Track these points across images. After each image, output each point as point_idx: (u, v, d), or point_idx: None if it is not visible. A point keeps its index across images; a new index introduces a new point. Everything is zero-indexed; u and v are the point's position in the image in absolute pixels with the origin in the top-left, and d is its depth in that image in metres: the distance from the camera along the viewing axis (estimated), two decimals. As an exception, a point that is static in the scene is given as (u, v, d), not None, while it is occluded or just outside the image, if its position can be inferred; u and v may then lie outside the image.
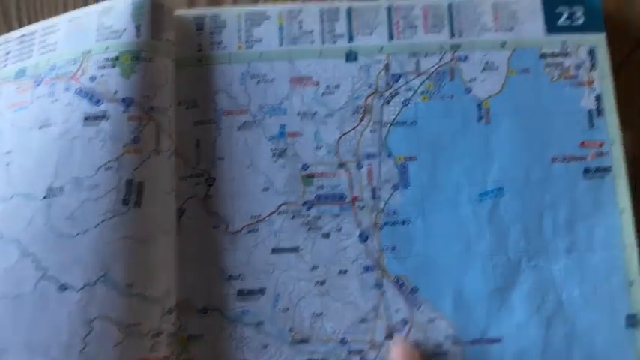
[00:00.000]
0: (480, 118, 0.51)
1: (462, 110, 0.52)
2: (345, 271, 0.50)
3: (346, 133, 0.52)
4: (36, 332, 0.45)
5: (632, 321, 0.48)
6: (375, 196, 0.51)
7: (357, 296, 0.49)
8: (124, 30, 0.50)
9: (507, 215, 0.50)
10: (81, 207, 0.47)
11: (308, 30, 0.53)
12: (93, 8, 0.51)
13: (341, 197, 0.51)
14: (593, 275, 0.49)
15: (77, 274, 0.46)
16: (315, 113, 0.52)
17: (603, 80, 0.52)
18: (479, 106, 0.52)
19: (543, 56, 0.52)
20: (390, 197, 0.51)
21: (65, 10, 0.57)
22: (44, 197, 0.47)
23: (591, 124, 0.51)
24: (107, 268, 0.46)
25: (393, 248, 0.50)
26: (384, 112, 0.52)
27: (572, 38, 0.53)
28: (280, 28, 0.53)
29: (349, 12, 0.53)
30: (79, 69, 0.49)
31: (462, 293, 0.49)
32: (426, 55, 0.53)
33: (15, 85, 0.50)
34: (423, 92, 0.52)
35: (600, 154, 0.51)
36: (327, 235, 0.50)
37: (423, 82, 0.52)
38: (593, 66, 0.52)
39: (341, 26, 0.53)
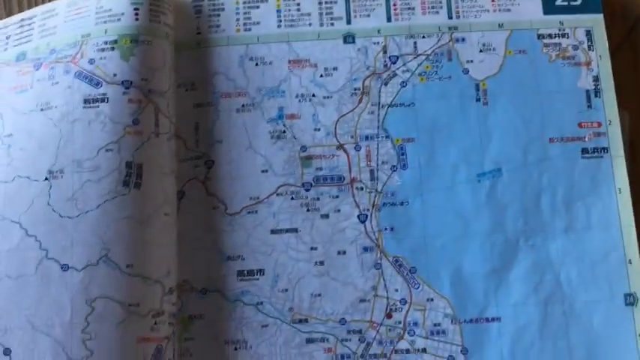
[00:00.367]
0: (478, 99, 0.52)
1: (459, 91, 0.52)
2: (344, 252, 0.50)
3: (344, 115, 0.52)
4: (39, 311, 0.46)
5: (630, 299, 0.48)
6: (373, 177, 0.51)
7: (356, 277, 0.50)
8: (123, 13, 0.50)
9: (505, 195, 0.50)
10: (82, 188, 0.47)
11: (305, 12, 0.53)
12: (92, -8, 0.52)
13: (340, 178, 0.51)
14: (591, 254, 0.49)
15: (79, 255, 0.46)
16: (313, 95, 0.52)
17: (601, 61, 0.52)
18: (476, 87, 0.52)
19: (541, 37, 0.53)
20: (388, 178, 0.51)
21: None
22: (45, 179, 0.47)
23: (589, 105, 0.51)
24: (108, 249, 0.46)
25: (392, 229, 0.50)
26: (381, 94, 0.52)
27: (569, 19, 0.53)
28: (278, 11, 0.53)
29: (347, -6, 0.54)
30: (78, 52, 0.50)
31: (461, 273, 0.49)
32: (423, 37, 0.53)
33: (15, 69, 0.51)
34: (420, 74, 0.52)
35: (598, 135, 0.51)
36: (325, 216, 0.50)
37: (421, 63, 0.52)
38: (590, 47, 0.52)
39: (339, 8, 0.53)
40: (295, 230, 0.50)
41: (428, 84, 0.52)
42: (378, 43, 0.53)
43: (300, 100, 0.52)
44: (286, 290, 0.49)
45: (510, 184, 0.50)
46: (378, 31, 0.53)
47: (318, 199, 0.51)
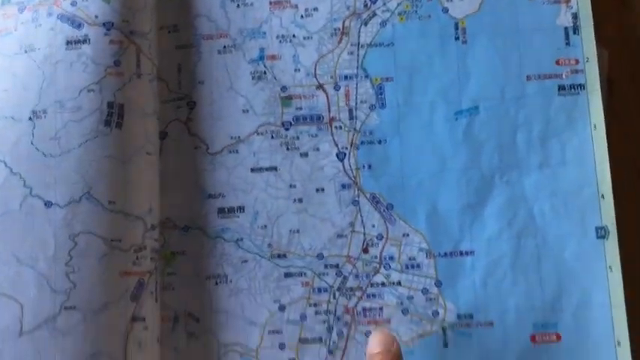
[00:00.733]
0: (457, 38, 0.52)
1: (438, 30, 0.52)
2: (323, 189, 0.51)
3: (324, 56, 0.53)
4: (24, 246, 0.47)
5: (601, 232, 0.49)
6: (352, 116, 0.52)
7: (334, 213, 0.51)
8: (104, -44, 0.51)
9: (482, 133, 0.51)
10: (64, 128, 0.48)
11: (286, -47, 0.54)
12: None
13: (319, 118, 0.52)
14: (564, 189, 0.50)
15: (62, 192, 0.48)
16: (293, 36, 0.53)
17: (580, -2, 0.52)
18: (456, 25, 0.52)
19: (520, -26, 0.52)
20: (366, 117, 0.52)
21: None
22: (29, 119, 0.49)
23: (567, 42, 0.51)
24: (90, 186, 0.48)
25: (370, 167, 0.51)
26: (361, 34, 0.53)
27: (549, -44, 0.53)
28: (258, -49, 0.54)
29: None
30: (60, -6, 0.51)
31: (436, 209, 0.50)
32: (403, -24, 0.53)
33: (0, 12, 0.52)
34: (400, 13, 0.53)
35: (575, 72, 0.51)
36: (305, 155, 0.51)
37: (401, 2, 0.53)
38: (570, -16, 0.52)
39: (320, -52, 0.53)
40: (275, 168, 0.51)
41: (407, 23, 0.52)
42: (357, -17, 0.53)
43: (280, 41, 0.53)
44: (265, 227, 0.51)
45: (487, 122, 0.51)
46: (358, -29, 0.53)
47: (298, 137, 0.51)
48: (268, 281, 0.50)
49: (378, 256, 0.50)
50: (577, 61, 0.51)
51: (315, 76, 0.52)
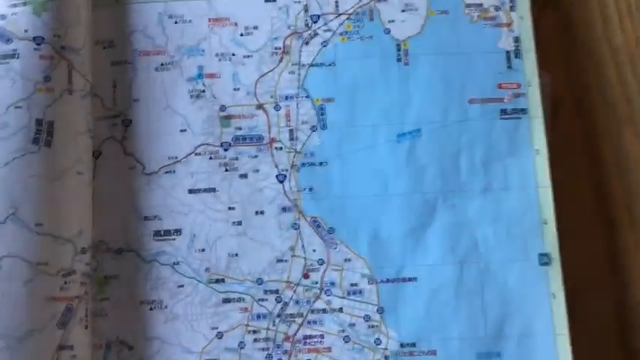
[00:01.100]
0: (399, 60, 0.51)
1: (380, 51, 0.51)
2: (262, 212, 0.50)
3: (264, 75, 0.51)
4: (-57, 270, 0.45)
5: (544, 259, 0.49)
6: (292, 137, 0.51)
7: (274, 237, 0.49)
8: (36, -32, 0.49)
9: (424, 156, 0.50)
10: (-10, 145, 0.46)
11: (225, -31, 0.52)
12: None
13: (259, 138, 0.50)
14: (507, 215, 0.49)
15: (-15, 212, 0.45)
16: (233, 54, 0.51)
17: (522, 21, 0.52)
18: (398, 47, 0.51)
19: (463, -2, 0.52)
20: (307, 138, 0.50)
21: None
22: (-47, 136, 0.46)
23: (509, 66, 0.51)
24: (16, 207, 0.45)
25: (311, 189, 0.50)
26: (302, 54, 0.52)
27: (492, -20, 0.53)
28: (196, -33, 0.52)
29: (269, -49, 0.53)
30: (-12, 7, 0.48)
31: (378, 234, 0.49)
32: (345, -4, 0.52)
33: None
34: (342, 33, 0.52)
35: (517, 95, 0.51)
36: (244, 176, 0.50)
37: (342, 23, 0.52)
38: (512, 7, 0.52)
39: (259, -34, 0.52)
40: (213, 190, 0.50)
41: (349, 44, 0.52)
42: (299, 2, 0.52)
43: (220, 59, 0.51)
44: (203, 250, 0.49)
45: (430, 145, 0.50)
46: (300, -10, 0.52)
47: (237, 158, 0.50)
48: (205, 307, 0.49)
49: (319, 281, 0.49)
50: (519, 85, 0.51)
51: (256, 95, 0.51)
